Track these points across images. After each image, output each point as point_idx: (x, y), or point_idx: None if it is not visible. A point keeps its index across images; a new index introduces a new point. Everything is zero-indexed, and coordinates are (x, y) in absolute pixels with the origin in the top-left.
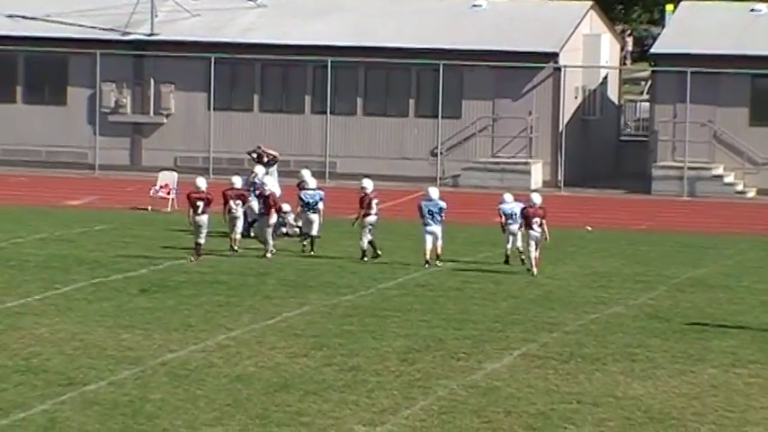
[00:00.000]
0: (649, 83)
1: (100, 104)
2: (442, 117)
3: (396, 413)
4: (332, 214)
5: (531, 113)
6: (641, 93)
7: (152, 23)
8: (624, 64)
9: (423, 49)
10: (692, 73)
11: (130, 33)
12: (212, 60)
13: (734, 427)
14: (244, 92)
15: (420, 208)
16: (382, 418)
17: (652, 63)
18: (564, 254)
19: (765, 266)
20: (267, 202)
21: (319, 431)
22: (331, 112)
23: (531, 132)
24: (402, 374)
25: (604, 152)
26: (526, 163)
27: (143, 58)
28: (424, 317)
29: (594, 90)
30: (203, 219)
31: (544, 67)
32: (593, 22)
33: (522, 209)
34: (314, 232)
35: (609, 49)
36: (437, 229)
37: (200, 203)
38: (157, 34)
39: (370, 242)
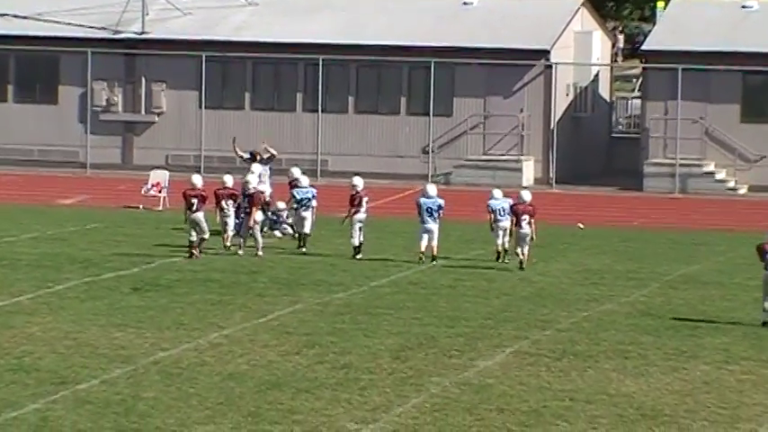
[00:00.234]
0: (641, 80)
1: (91, 103)
2: (433, 115)
3: (388, 411)
4: (323, 212)
5: (522, 111)
6: (633, 90)
7: (143, 22)
8: (615, 61)
9: (414, 46)
10: (683, 70)
11: (122, 32)
12: (203, 59)
13: (726, 424)
14: (235, 90)
15: (418, 205)
16: (375, 415)
17: (643, 60)
18: (556, 251)
19: (757, 263)
20: (251, 200)
21: (312, 429)
22: (322, 110)
23: (523, 130)
24: (394, 372)
25: (596, 149)
26: (518, 160)
27: (134, 57)
28: (416, 314)
29: (586, 87)
30: (198, 216)
31: (535, 65)
32: (585, 20)
33: (512, 206)
34: (306, 230)
35: (600, 46)
36: (435, 226)
37: (195, 201)
38: (149, 33)
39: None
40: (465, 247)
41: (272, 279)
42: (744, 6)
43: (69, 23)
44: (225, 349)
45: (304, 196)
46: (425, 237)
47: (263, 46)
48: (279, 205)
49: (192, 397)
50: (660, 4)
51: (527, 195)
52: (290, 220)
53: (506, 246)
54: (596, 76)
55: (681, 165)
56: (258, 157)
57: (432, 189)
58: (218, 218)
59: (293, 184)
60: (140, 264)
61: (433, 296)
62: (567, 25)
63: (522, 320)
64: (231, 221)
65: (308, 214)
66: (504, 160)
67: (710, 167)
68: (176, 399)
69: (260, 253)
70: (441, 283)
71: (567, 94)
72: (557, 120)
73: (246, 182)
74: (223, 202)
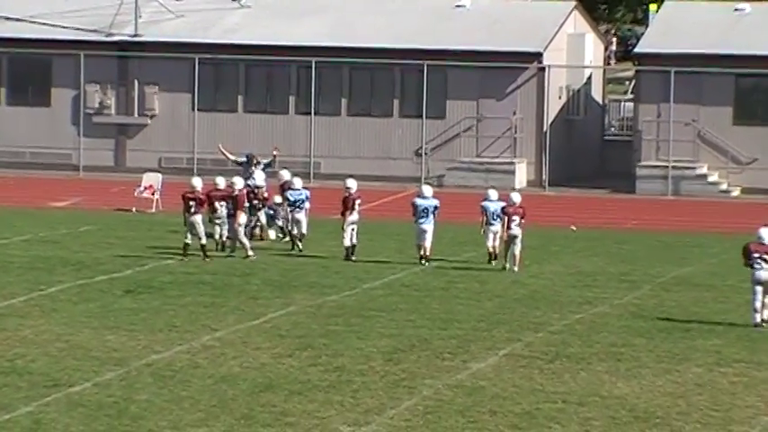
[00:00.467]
0: (633, 82)
1: (84, 106)
2: (426, 117)
3: (381, 413)
4: (316, 214)
5: (515, 113)
6: (625, 92)
7: (136, 24)
8: (608, 63)
9: (407, 49)
10: (675, 72)
11: (114, 34)
12: (196, 61)
13: (719, 426)
14: (228, 93)
15: (414, 206)
16: (367, 418)
17: (636, 62)
18: (549, 253)
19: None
20: (236, 202)
21: (304, 431)
22: (315, 113)
23: (516, 132)
24: (387, 374)
25: (589, 152)
26: (511, 163)
27: (127, 60)
28: (409, 317)
29: (579, 90)
30: (197, 218)
31: (528, 67)
32: (577, 22)
33: (502, 208)
34: (303, 230)
35: (593, 48)
36: (430, 227)
37: (193, 203)
38: (141, 35)
39: (351, 245)
40: (458, 250)
41: (265, 281)
42: (736, 9)
43: (62, 26)
44: (218, 351)
45: (298, 197)
46: (422, 237)
47: (256, 48)
48: (276, 200)
49: (185, 399)
50: (653, 7)
51: (517, 197)
52: (280, 223)
53: (497, 249)
54: (589, 78)
55: (673, 167)
56: (255, 162)
57: (427, 190)
58: (207, 219)
59: (284, 186)
60: (133, 266)
61: (425, 298)
62: (560, 28)
63: (514, 323)
64: (225, 223)
65: (301, 216)
66: (497, 163)
67: (703, 170)
68: (169, 401)
69: (250, 254)
70: (433, 286)
71: (560, 97)
72: (549, 122)
73: (232, 183)
74: (216, 204)
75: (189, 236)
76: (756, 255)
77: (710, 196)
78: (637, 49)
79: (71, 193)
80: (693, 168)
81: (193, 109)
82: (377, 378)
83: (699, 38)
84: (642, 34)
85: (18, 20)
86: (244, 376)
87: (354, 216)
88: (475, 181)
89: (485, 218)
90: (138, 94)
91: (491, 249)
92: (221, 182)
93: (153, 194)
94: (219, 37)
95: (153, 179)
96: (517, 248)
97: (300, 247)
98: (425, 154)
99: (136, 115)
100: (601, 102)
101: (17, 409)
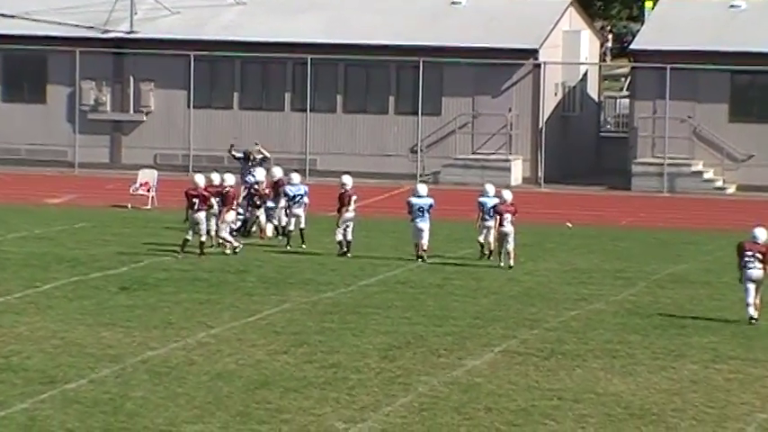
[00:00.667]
0: (629, 79)
1: (79, 102)
2: (421, 114)
3: (376, 410)
4: (311, 211)
5: (510, 110)
6: (621, 89)
7: (131, 21)
8: (604, 60)
9: (402, 45)
10: (671, 69)
11: (110, 31)
12: (192, 58)
13: (714, 423)
14: (223, 89)
15: (410, 204)
16: (363, 414)
17: (631, 59)
18: (544, 250)
19: None
20: (225, 199)
21: (300, 428)
22: (311, 110)
23: (511, 129)
24: (383, 371)
25: (584, 148)
26: (506, 160)
27: (123, 56)
28: (404, 314)
29: (574, 86)
30: (200, 216)
31: (524, 64)
32: (573, 19)
33: (494, 205)
34: (301, 225)
35: (588, 45)
36: (426, 225)
37: (196, 201)
38: (137, 32)
39: (347, 242)
40: (453, 246)
41: (261, 278)
42: (732, 6)
43: (57, 23)
44: (213, 348)
45: (297, 193)
46: (418, 235)
47: (252, 45)
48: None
49: (181, 396)
50: (648, 4)
51: (508, 195)
52: (275, 222)
53: (492, 246)
54: (585, 75)
55: (669, 164)
56: (252, 158)
57: (422, 189)
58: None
59: (279, 183)
60: (128, 263)
61: (421, 295)
62: (556, 25)
63: (510, 320)
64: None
65: (300, 211)
66: (493, 159)
67: (699, 167)
68: (164, 398)
69: (227, 251)
70: (429, 282)
71: (556, 94)
72: (545, 119)
73: (222, 180)
74: (212, 200)
75: (191, 232)
76: (750, 253)
77: (706, 193)
78: (632, 46)
79: (66, 189)
80: (689, 165)
81: (189, 106)
82: (372, 375)
83: (694, 34)
84: (638, 31)
85: (13, 16)
86: (239, 373)
87: (350, 213)
88: (470, 178)
89: (480, 213)
90: (133, 91)
91: (482, 242)
92: (216, 179)
93: (148, 191)
94: (215, 34)
95: (148, 176)
96: (510, 245)
97: (302, 241)
98: (421, 151)
99: (131, 112)
100: (596, 98)
101: (12, 405)
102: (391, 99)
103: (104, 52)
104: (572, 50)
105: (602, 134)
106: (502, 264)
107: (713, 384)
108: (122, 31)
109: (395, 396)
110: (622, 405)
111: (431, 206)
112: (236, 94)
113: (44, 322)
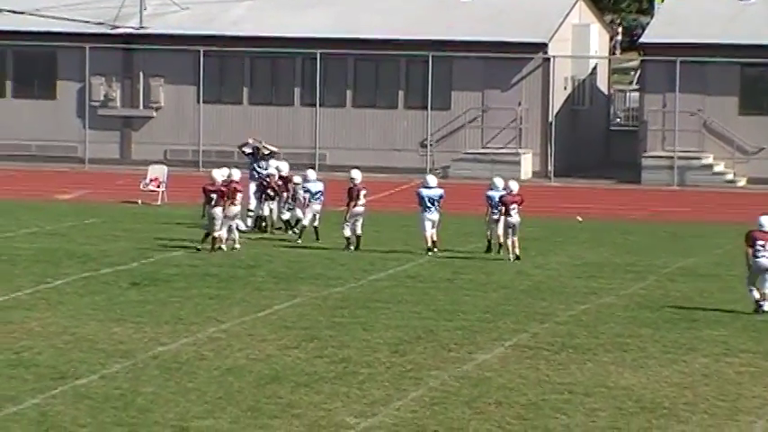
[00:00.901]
0: (639, 72)
1: (89, 98)
2: (431, 108)
3: (387, 404)
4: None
5: (520, 104)
6: (631, 82)
7: (141, 17)
8: (613, 54)
9: (412, 40)
10: (681, 62)
11: (119, 27)
12: (201, 53)
13: (725, 417)
14: (233, 85)
15: (419, 196)
16: (373, 409)
17: (641, 53)
18: (554, 244)
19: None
20: (220, 194)
21: (310, 423)
22: (320, 104)
23: (521, 123)
24: (393, 366)
25: (594, 142)
26: (516, 154)
27: (132, 52)
28: (414, 308)
29: (584, 80)
30: (217, 211)
31: (533, 58)
32: (582, 12)
33: (501, 196)
34: (315, 223)
35: (598, 38)
36: (436, 216)
37: (214, 196)
38: (146, 28)
39: (356, 236)
40: (463, 241)
41: (271, 273)
42: None
43: (67, 19)
44: (224, 343)
45: (318, 189)
46: (428, 226)
47: (261, 40)
48: (295, 179)
49: (191, 391)
50: None
51: (515, 186)
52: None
53: (500, 239)
54: (594, 68)
55: (679, 157)
56: (260, 154)
57: (432, 180)
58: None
59: (286, 179)
60: (139, 258)
61: (431, 290)
62: (565, 18)
63: (520, 314)
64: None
65: (318, 207)
66: (503, 153)
67: (709, 160)
68: (175, 393)
69: (223, 246)
70: (439, 277)
71: (565, 87)
72: (555, 113)
73: (229, 174)
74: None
75: (215, 227)
76: (761, 243)
77: (716, 186)
78: (642, 39)
79: (77, 185)
80: (699, 158)
81: (198, 101)
82: (383, 369)
83: (704, 27)
84: (647, 24)
85: (23, 13)
86: (250, 368)
87: (359, 207)
88: (480, 172)
89: (489, 208)
90: (143, 87)
91: (490, 238)
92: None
93: (158, 187)
94: (224, 29)
95: (158, 171)
96: (515, 236)
97: (317, 237)
98: (430, 145)
99: (141, 108)
100: (606, 92)
101: (24, 401)
102: (401, 93)
103: (114, 48)
104: (581, 44)
105: (611, 128)
106: (510, 257)
107: (724, 378)
108: (132, 27)
109: (405, 390)
110: (633, 399)
111: (441, 197)
112: (245, 90)
113: (55, 318)
